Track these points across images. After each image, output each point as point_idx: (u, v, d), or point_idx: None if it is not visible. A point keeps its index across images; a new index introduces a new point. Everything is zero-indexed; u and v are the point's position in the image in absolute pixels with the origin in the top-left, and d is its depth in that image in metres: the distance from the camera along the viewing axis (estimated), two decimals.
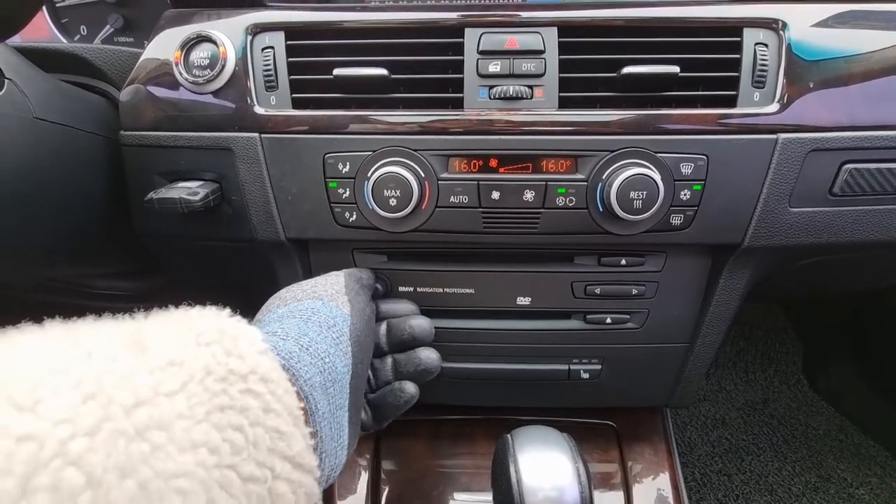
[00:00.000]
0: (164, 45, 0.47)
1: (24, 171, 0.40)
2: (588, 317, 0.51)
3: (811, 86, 0.44)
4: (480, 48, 0.44)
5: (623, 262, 0.49)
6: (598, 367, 0.53)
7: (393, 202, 0.43)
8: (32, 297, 0.69)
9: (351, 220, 0.46)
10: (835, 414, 1.26)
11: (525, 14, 0.46)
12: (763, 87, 0.44)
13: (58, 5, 0.59)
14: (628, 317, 0.51)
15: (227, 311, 0.31)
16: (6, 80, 0.38)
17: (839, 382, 1.28)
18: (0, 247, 0.42)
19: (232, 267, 0.57)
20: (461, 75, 0.45)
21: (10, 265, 0.46)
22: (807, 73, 0.44)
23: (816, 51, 0.44)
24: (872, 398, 1.20)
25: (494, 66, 0.44)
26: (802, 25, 0.44)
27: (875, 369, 1.20)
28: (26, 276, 0.49)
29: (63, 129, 0.43)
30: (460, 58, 0.45)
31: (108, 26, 0.59)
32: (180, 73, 0.45)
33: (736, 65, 0.44)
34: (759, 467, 1.14)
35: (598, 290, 0.50)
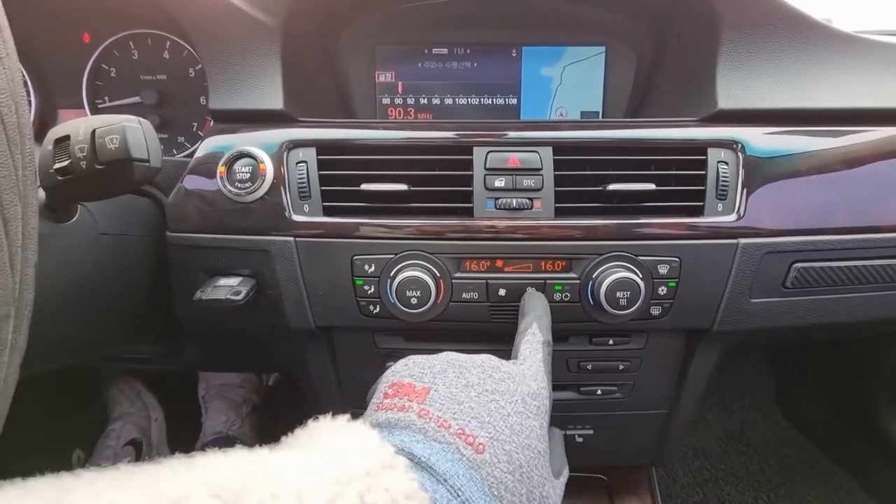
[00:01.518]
0: (209, 157, 0.53)
1: (88, 281, 0.46)
2: (581, 389, 0.58)
3: (764, 198, 0.52)
4: (487, 165, 0.52)
5: (611, 341, 0.56)
6: (591, 431, 0.60)
7: (414, 301, 0.49)
8: None
9: (375, 311, 0.52)
10: (806, 442, 1.34)
11: (525, 134, 0.53)
12: (725, 199, 0.52)
13: (100, 106, 0.65)
14: (616, 388, 0.58)
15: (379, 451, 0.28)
16: (79, 206, 0.44)
17: (808, 411, 1.36)
18: (59, 343, 0.47)
19: (261, 344, 0.62)
20: (471, 188, 0.52)
21: (72, 354, 0.51)
22: (760, 187, 0.52)
23: (768, 169, 0.53)
24: (838, 427, 1.29)
25: (500, 182, 0.51)
26: (758, 146, 0.53)
27: (840, 399, 1.29)
28: (78, 359, 0.54)
29: (121, 237, 0.49)
30: (470, 173, 0.52)
31: None
32: (224, 186, 0.51)
33: (702, 180, 0.52)
34: (737, 497, 1.21)
35: (589, 366, 0.57)
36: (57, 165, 0.33)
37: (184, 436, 1.18)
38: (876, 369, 1.15)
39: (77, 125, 0.33)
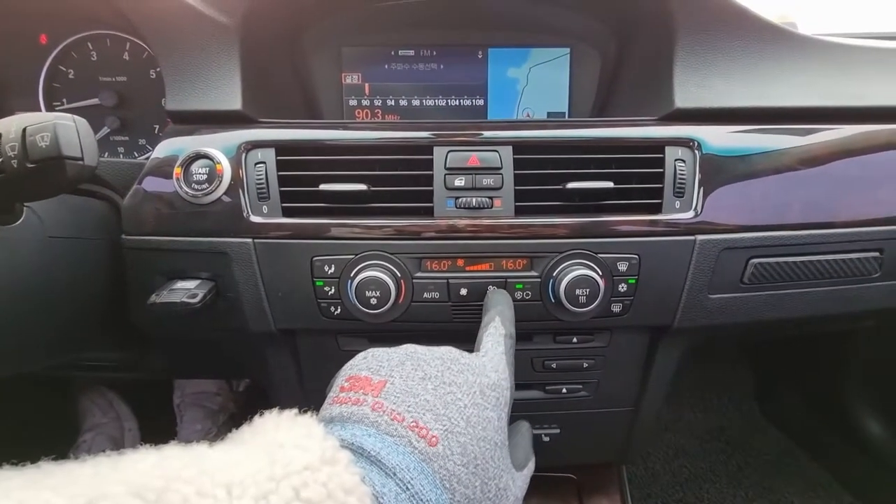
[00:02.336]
0: (165, 158, 0.52)
1: (37, 285, 0.44)
2: (546, 388, 0.58)
3: (721, 195, 0.53)
4: (447, 165, 0.52)
5: (574, 339, 0.57)
6: (557, 430, 0.60)
7: (373, 301, 0.49)
8: None
9: (336, 313, 0.52)
10: (784, 439, 1.36)
11: (485, 133, 0.53)
12: (682, 197, 0.53)
13: (58, 109, 0.63)
14: (581, 386, 0.59)
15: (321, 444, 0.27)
16: (24, 208, 0.43)
17: (786, 408, 1.38)
18: (11, 351, 0.46)
19: (223, 348, 0.61)
20: (431, 188, 0.52)
21: (17, 363, 0.49)
22: (717, 184, 0.53)
23: (725, 166, 0.53)
24: (814, 423, 1.31)
25: (460, 181, 0.51)
26: (714, 144, 0.54)
27: (816, 396, 1.31)
28: (28, 368, 0.53)
29: (71, 241, 0.48)
30: (430, 173, 0.52)
31: (105, 128, 0.64)
32: (181, 187, 0.50)
33: (660, 178, 0.53)
34: (716, 495, 1.22)
35: (554, 365, 0.57)
36: None
37: (159, 446, 1.15)
38: (849, 365, 1.18)
39: (9, 123, 0.32)
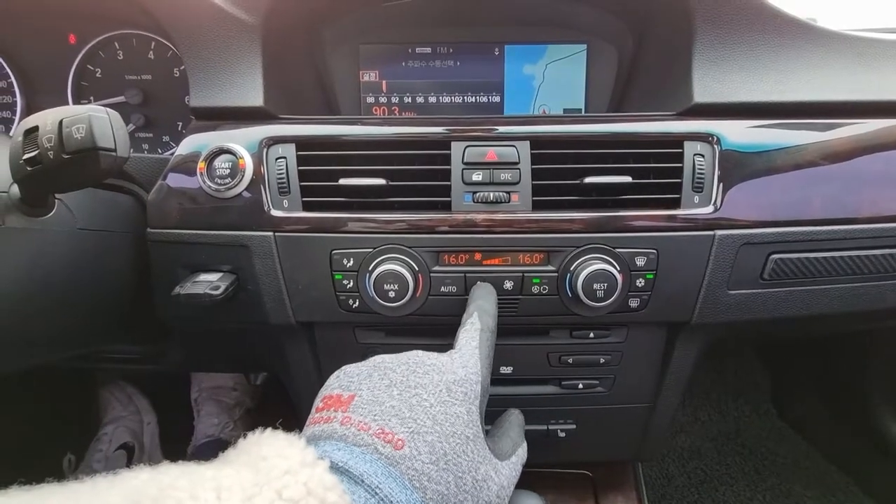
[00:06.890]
0: (189, 154, 0.53)
1: (67, 277, 0.46)
2: (563, 383, 0.58)
3: (740, 190, 0.52)
4: (465, 160, 0.52)
5: (591, 334, 0.57)
6: (573, 426, 0.60)
7: (391, 294, 0.50)
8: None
9: (354, 306, 0.53)
10: (801, 441, 1.34)
11: (502, 129, 0.54)
12: (701, 192, 0.52)
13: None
14: (597, 382, 0.58)
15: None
16: (56, 201, 0.44)
17: (804, 411, 1.36)
18: (39, 340, 0.47)
19: (243, 341, 0.62)
20: (448, 182, 0.52)
21: (44, 352, 0.51)
22: (736, 179, 0.53)
23: (744, 161, 0.53)
24: (833, 426, 1.28)
25: (477, 176, 0.52)
26: (733, 139, 0.53)
27: (835, 398, 1.28)
28: (54, 357, 0.54)
29: (100, 233, 0.49)
30: (447, 167, 0.52)
31: (130, 124, 0.66)
32: (204, 181, 0.52)
33: (678, 173, 0.52)
34: (732, 497, 1.21)
35: (570, 360, 0.57)
36: (26, 156, 0.33)
37: (177, 439, 1.18)
38: (869, 367, 1.15)
39: (45, 116, 0.33)
